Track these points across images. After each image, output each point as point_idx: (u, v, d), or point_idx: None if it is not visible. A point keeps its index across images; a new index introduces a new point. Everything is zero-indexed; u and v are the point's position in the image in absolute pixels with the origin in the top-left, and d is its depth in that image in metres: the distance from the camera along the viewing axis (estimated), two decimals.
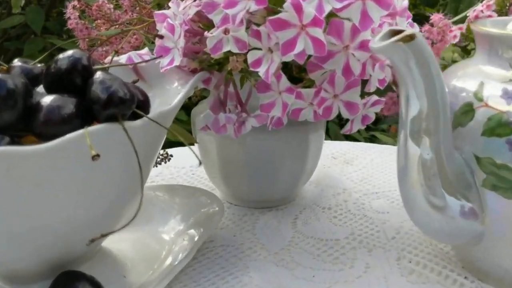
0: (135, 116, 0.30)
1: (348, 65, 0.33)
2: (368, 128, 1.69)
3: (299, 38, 0.30)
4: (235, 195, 0.48)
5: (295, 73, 0.40)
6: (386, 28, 0.29)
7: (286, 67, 0.37)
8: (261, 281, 0.37)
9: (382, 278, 0.37)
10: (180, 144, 0.57)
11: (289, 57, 0.32)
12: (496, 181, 0.31)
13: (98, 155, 0.25)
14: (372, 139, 1.49)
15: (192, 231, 0.39)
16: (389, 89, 0.40)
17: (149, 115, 0.30)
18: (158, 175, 0.55)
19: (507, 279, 0.34)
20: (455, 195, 0.33)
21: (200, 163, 0.28)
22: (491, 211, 0.32)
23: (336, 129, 1.66)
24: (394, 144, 1.11)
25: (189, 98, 0.50)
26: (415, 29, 0.39)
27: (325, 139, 0.48)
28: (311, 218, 0.46)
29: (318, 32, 0.30)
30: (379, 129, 1.66)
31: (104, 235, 0.27)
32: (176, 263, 0.34)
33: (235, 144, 0.44)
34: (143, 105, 0.31)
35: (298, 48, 0.30)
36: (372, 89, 0.35)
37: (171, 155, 0.45)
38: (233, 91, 0.39)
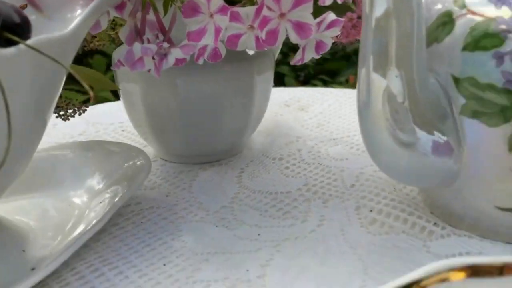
0: (7, 43, 0.22)
1: None
2: (324, 82, 1.64)
3: None
4: (169, 151, 0.40)
5: None
6: None
7: None
8: (196, 245, 0.30)
9: (339, 231, 0.31)
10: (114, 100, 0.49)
11: None
12: (478, 106, 0.25)
13: None
14: None
15: (111, 190, 0.31)
16: (347, 8, 0.33)
17: (29, 41, 0.23)
18: (81, 133, 0.46)
19: (483, 222, 0.29)
20: (427, 129, 0.26)
21: (90, 99, 0.21)
22: (470, 144, 0.27)
23: (292, 81, 1.60)
24: None
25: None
26: None
27: None
28: (259, 171, 0.39)
29: None
30: (337, 82, 1.61)
31: None
32: (87, 229, 0.27)
33: (163, 89, 0.36)
34: (21, 30, 0.23)
35: None
36: (328, 2, 0.28)
37: (86, 107, 0.37)
38: (153, 18, 0.31)
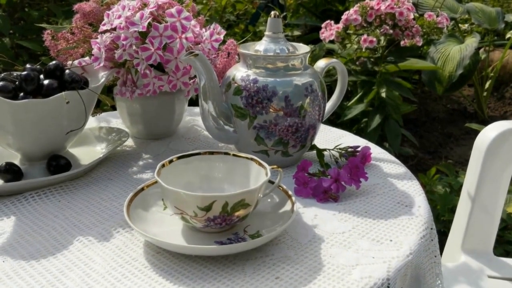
0: (82, 88, 0.72)
1: (177, 65, 0.75)
2: None
3: (153, 55, 0.73)
4: (137, 132, 0.90)
5: (164, 67, 0.82)
6: (186, 51, 0.72)
7: (159, 65, 0.79)
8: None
9: None
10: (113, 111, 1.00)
11: (150, 62, 0.74)
12: (237, 113, 0.75)
13: (68, 101, 0.67)
14: None
15: (112, 144, 0.81)
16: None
17: (88, 88, 0.72)
18: (99, 124, 0.96)
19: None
20: (226, 124, 0.76)
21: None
22: (238, 127, 0.76)
23: None
24: None
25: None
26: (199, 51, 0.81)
27: None
28: (180, 142, 0.89)
29: (159, 54, 0.72)
30: None
31: (71, 131, 0.68)
32: (101, 155, 0.76)
33: (135, 105, 0.86)
34: (86, 84, 0.73)
35: (152, 59, 0.73)
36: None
37: (101, 112, 0.87)
38: (130, 77, 0.81)
